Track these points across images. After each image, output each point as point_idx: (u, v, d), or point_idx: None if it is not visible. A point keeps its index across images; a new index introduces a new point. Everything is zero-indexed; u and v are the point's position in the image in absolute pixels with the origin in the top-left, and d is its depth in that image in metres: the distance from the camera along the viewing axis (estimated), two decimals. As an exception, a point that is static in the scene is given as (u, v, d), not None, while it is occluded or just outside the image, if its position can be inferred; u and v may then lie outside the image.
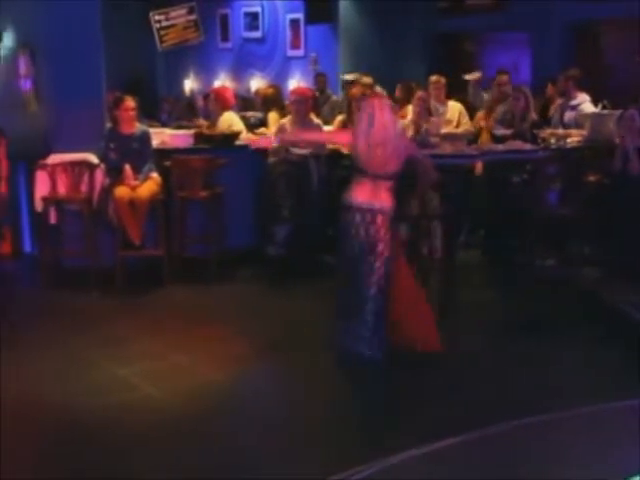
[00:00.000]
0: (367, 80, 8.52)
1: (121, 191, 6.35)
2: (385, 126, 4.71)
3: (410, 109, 7.48)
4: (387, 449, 3.68)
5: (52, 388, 4.55)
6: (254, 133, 7.53)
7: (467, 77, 8.32)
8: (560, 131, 6.82)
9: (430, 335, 4.90)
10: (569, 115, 7.28)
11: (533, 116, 6.97)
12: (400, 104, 8.81)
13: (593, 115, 7.10)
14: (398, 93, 9.12)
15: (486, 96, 8.05)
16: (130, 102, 6.55)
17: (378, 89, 7.07)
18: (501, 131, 6.88)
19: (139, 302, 6.20)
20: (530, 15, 9.22)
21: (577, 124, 7.13)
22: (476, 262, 7.12)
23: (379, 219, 4.70)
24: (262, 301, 6.19)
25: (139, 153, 6.48)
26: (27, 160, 7.02)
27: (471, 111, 7.85)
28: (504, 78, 7.72)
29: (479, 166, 7.27)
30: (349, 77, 8.66)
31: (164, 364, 4.90)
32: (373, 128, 4.70)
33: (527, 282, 6.33)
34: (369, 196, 4.73)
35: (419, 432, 3.91)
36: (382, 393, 4.54)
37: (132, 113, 6.57)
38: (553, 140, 6.64)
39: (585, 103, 7.32)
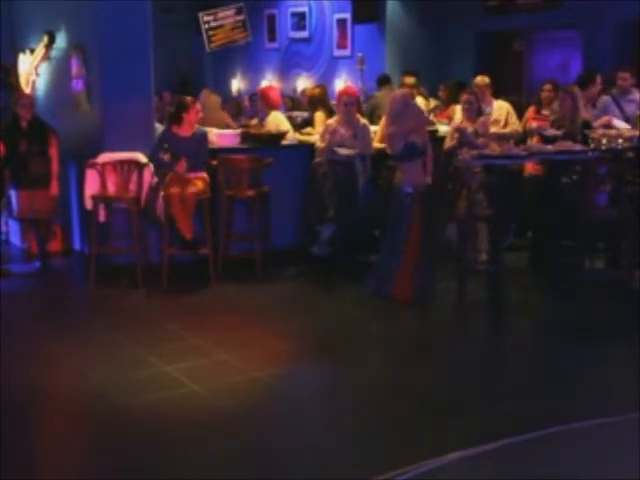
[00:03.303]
0: (410, 80, 8.48)
1: (174, 188, 6.41)
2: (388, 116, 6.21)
3: (456, 109, 7.41)
4: (433, 449, 3.67)
5: (98, 383, 4.62)
6: (300, 133, 7.55)
7: None
8: (612, 131, 6.68)
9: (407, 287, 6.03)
10: (630, 108, 7.16)
11: (583, 116, 6.84)
12: (445, 104, 8.77)
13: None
14: (442, 93, 9.05)
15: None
16: (199, 105, 6.74)
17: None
18: (551, 132, 6.77)
19: (185, 299, 6.26)
20: (582, 12, 9.05)
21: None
22: (524, 263, 7.02)
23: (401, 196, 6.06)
24: (306, 300, 6.20)
25: (196, 153, 6.54)
26: (78, 159, 7.16)
27: None
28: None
29: (528, 167, 7.18)
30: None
31: (209, 361, 4.93)
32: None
33: (576, 284, 6.22)
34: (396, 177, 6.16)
35: (474, 434, 3.88)
36: (432, 390, 4.51)
37: (200, 115, 6.71)
38: (604, 141, 6.50)
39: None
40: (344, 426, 4.11)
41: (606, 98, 7.33)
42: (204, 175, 6.61)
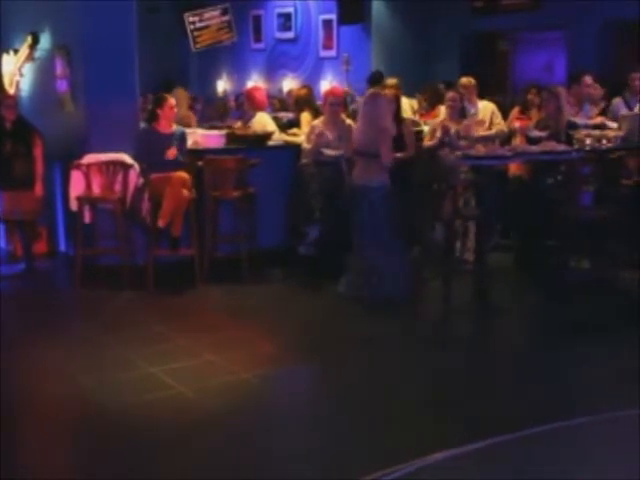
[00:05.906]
0: (392, 82, 8.51)
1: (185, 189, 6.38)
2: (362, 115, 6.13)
3: (442, 109, 7.43)
4: (420, 450, 3.68)
5: (85, 385, 4.61)
6: (286, 134, 7.55)
7: None
8: (596, 132, 6.73)
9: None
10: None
11: (567, 117, 6.88)
12: (431, 105, 8.78)
13: (629, 116, 7.01)
14: (425, 95, 9.08)
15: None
16: (172, 100, 6.69)
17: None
18: (536, 133, 6.80)
19: (171, 301, 6.25)
20: (566, 13, 9.11)
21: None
22: (509, 263, 7.05)
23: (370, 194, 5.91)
24: (293, 301, 6.20)
25: (178, 151, 6.53)
26: (62, 160, 7.12)
27: None
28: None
29: (513, 167, 7.21)
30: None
31: (196, 363, 4.93)
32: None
33: (561, 283, 6.26)
34: (362, 175, 6.03)
35: (464, 435, 3.90)
36: (417, 390, 4.53)
37: (175, 111, 6.67)
38: (588, 141, 6.55)
39: None
40: (332, 426, 4.11)
41: (617, 100, 7.40)
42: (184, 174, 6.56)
